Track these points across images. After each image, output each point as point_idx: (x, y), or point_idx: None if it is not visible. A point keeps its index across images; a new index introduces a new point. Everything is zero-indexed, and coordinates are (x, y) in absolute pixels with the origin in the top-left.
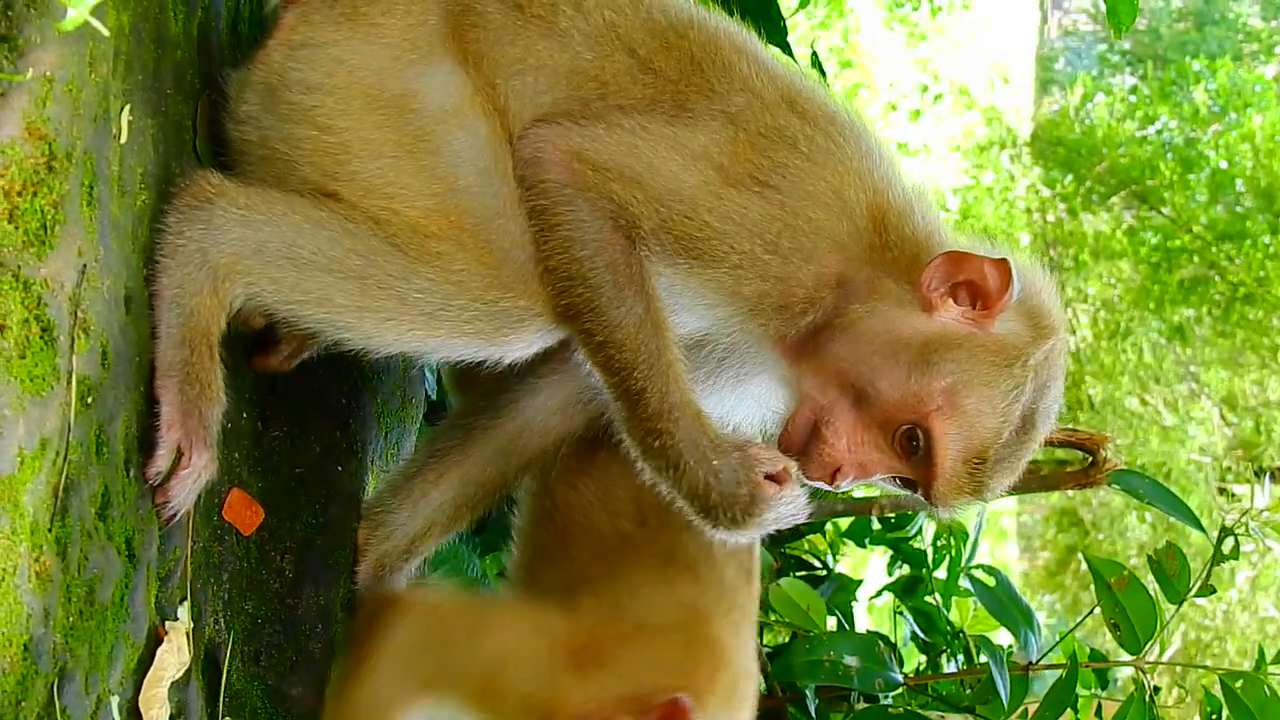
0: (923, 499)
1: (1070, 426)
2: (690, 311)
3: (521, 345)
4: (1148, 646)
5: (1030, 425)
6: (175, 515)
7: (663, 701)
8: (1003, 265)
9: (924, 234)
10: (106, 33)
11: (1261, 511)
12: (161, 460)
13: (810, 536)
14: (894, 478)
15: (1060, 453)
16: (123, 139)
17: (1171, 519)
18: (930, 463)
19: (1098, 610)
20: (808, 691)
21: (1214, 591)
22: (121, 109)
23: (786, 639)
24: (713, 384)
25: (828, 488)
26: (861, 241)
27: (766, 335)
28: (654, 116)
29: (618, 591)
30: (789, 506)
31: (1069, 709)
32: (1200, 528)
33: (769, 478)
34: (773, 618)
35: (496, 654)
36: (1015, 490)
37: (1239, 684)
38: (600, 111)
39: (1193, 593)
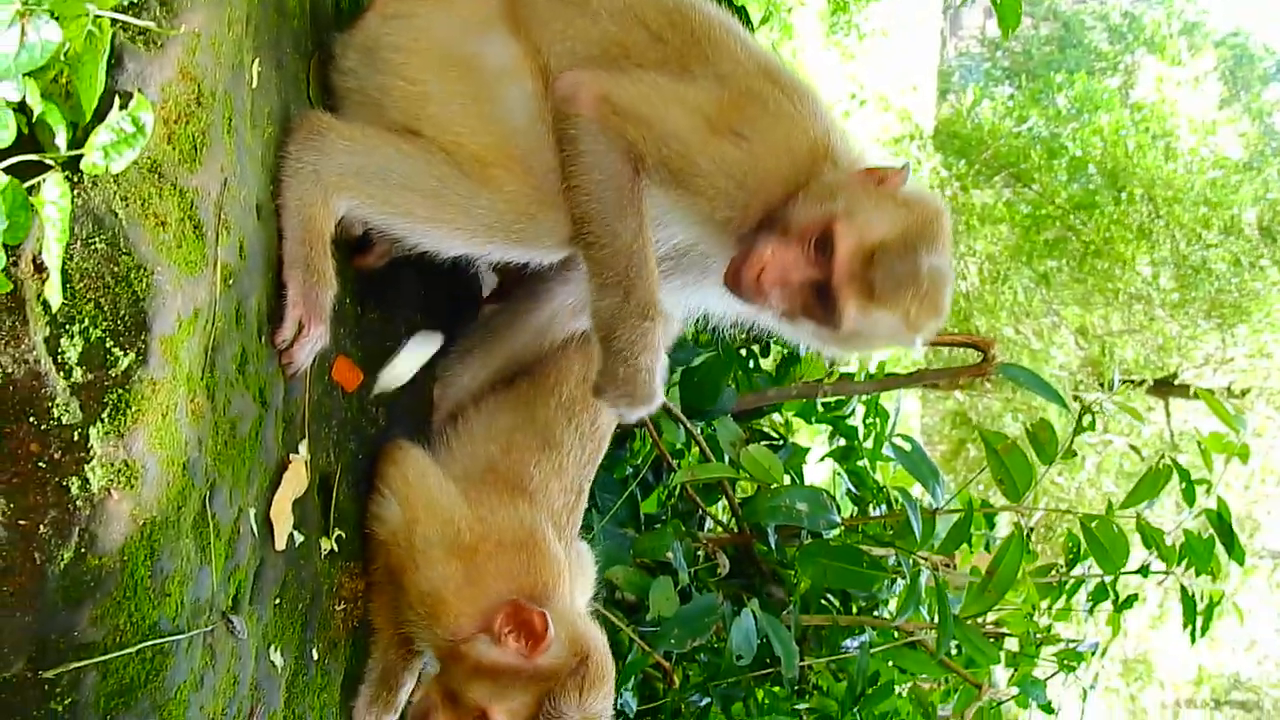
0: (828, 324)
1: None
2: (678, 225)
3: (557, 250)
4: (1025, 497)
5: (913, 253)
6: (296, 373)
7: (504, 609)
8: (903, 169)
9: (851, 159)
10: None
11: (1111, 396)
12: (287, 330)
13: (771, 415)
14: (809, 286)
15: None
16: (254, 85)
17: (1039, 418)
18: (832, 258)
19: (985, 478)
20: (769, 530)
21: (1076, 455)
22: (252, 61)
23: (753, 491)
24: (687, 281)
25: (756, 298)
26: (803, 175)
27: (727, 243)
28: (664, 75)
29: (486, 509)
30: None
31: (965, 543)
32: (1064, 404)
33: None
34: (743, 475)
35: (423, 535)
36: (923, 382)
37: (1094, 524)
38: (625, 68)
39: (1060, 455)
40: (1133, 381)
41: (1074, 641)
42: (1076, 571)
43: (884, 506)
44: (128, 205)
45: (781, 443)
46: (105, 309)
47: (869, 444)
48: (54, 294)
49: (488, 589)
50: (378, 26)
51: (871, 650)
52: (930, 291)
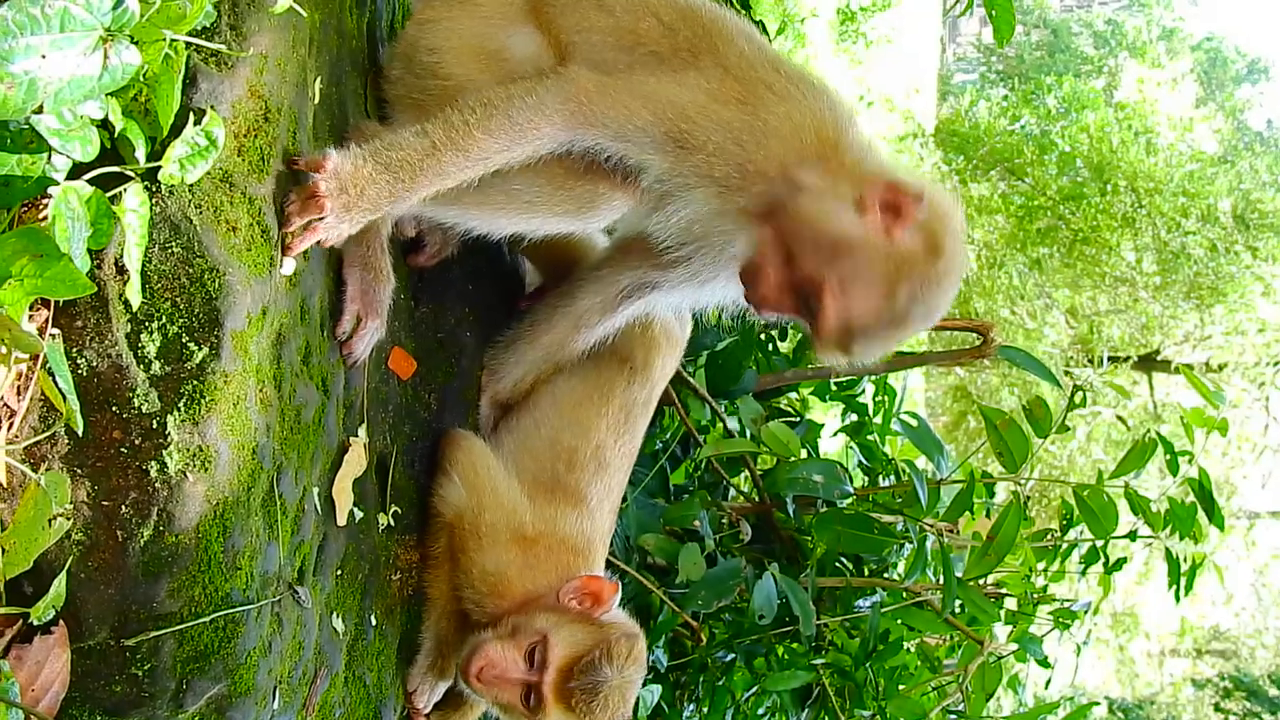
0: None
1: (967, 317)
2: (679, 198)
3: (598, 219)
4: (1022, 467)
5: (903, 322)
6: (356, 363)
7: (577, 581)
8: (919, 198)
9: (872, 163)
10: (305, 14)
11: (1100, 373)
12: (346, 324)
13: (788, 394)
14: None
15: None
16: (315, 100)
17: (1033, 393)
18: (818, 318)
19: (985, 449)
20: (788, 499)
21: (1069, 429)
22: (314, 79)
23: (773, 464)
24: (703, 270)
25: (756, 311)
26: (809, 154)
27: (733, 208)
28: (669, 65)
29: (553, 512)
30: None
31: (967, 510)
32: (1057, 383)
33: None
34: (763, 449)
35: (489, 521)
36: (928, 363)
37: (1086, 493)
38: (632, 63)
39: (1054, 430)
40: (1119, 358)
41: (1068, 601)
42: (1070, 536)
43: (893, 477)
44: (201, 212)
45: (798, 419)
46: (181, 307)
47: (878, 420)
48: (134, 294)
49: (545, 577)
50: (414, 32)
51: (882, 609)
52: None
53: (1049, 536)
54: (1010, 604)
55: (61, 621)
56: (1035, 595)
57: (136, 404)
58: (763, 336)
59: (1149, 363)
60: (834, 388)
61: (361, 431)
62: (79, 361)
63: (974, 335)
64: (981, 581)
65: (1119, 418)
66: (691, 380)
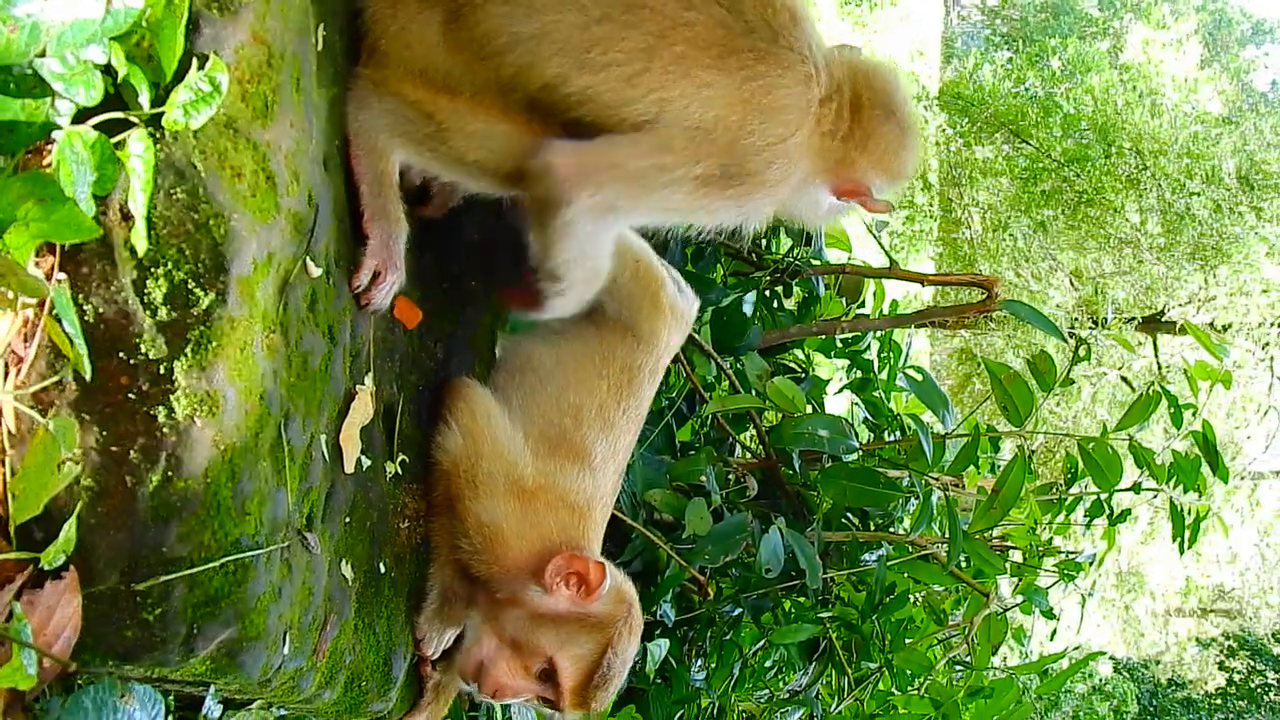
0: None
1: (972, 272)
2: None
3: None
4: (1027, 422)
5: None
6: (377, 312)
7: (558, 558)
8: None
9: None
10: None
11: (1105, 331)
12: (364, 276)
13: (794, 350)
14: None
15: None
16: (319, 47)
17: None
18: None
19: (989, 407)
20: (794, 454)
21: (1072, 384)
22: (318, 25)
23: (778, 420)
24: None
25: None
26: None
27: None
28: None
29: (554, 466)
30: None
31: (972, 465)
32: (1062, 337)
33: None
34: (769, 405)
35: (486, 469)
36: (934, 318)
37: (1091, 446)
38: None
39: (1058, 384)
40: (1123, 318)
41: (1073, 553)
42: (1074, 490)
43: (898, 432)
44: (206, 158)
45: (804, 375)
46: (187, 253)
47: (884, 375)
48: (140, 240)
49: (541, 534)
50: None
51: (888, 563)
52: None
53: (1054, 490)
54: (1015, 557)
55: (72, 567)
56: (1040, 548)
57: (143, 350)
58: (768, 293)
59: (1153, 324)
60: (839, 344)
61: (368, 379)
62: (85, 308)
63: (979, 292)
64: (986, 535)
65: (1124, 378)
66: (697, 336)
